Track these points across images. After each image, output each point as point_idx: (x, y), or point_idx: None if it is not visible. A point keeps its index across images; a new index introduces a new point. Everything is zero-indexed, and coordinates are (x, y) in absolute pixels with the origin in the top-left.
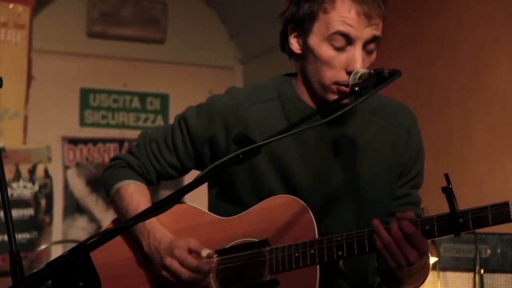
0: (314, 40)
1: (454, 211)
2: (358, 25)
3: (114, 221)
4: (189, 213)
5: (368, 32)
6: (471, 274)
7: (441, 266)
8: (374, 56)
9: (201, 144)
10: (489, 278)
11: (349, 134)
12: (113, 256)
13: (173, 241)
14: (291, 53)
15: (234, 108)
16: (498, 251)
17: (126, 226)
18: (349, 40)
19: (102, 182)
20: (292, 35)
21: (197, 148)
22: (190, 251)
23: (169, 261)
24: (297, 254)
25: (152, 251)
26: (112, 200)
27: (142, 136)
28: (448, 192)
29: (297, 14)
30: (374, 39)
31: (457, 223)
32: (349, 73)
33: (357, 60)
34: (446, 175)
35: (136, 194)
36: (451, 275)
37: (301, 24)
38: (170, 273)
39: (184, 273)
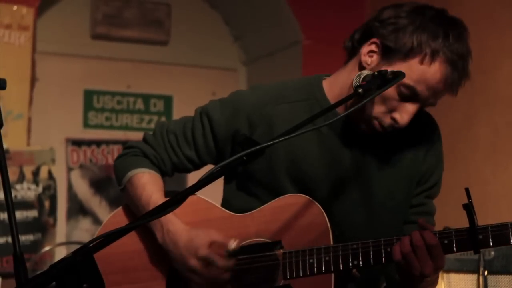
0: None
1: (474, 227)
2: (434, 93)
3: (124, 207)
4: (200, 206)
5: (434, 98)
6: (475, 276)
7: (444, 268)
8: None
9: (223, 139)
10: (493, 279)
11: (368, 138)
12: (120, 247)
13: (193, 238)
14: (353, 56)
15: (260, 106)
16: (502, 252)
17: (131, 227)
18: (414, 97)
19: (114, 169)
20: (369, 48)
21: (218, 143)
22: (213, 243)
23: (194, 263)
24: (311, 260)
25: (168, 244)
26: (125, 188)
27: (159, 126)
28: (468, 208)
29: (393, 39)
30: (432, 104)
31: (477, 239)
32: (392, 118)
33: (409, 116)
34: (467, 190)
35: (150, 183)
36: (454, 277)
37: (388, 49)
38: (197, 275)
39: (214, 274)
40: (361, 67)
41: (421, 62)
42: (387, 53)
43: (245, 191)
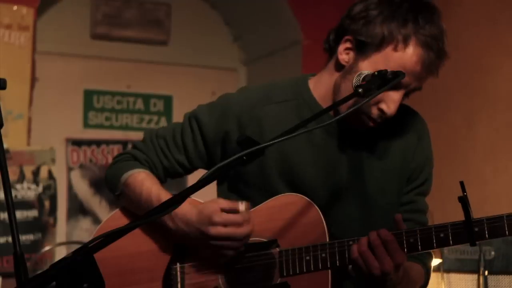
0: (364, 67)
1: (470, 220)
2: (414, 76)
3: (121, 210)
4: None
5: (417, 83)
6: (475, 276)
7: (445, 268)
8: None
9: (213, 142)
10: (493, 279)
11: (359, 137)
12: (117, 249)
13: (202, 210)
14: (333, 51)
15: (249, 107)
16: (502, 252)
17: (131, 227)
18: (397, 85)
19: (105, 180)
20: (345, 46)
21: (209, 146)
22: (224, 211)
23: (214, 230)
24: (308, 258)
25: (181, 227)
26: (122, 192)
27: (148, 133)
28: (463, 201)
29: (364, 32)
30: (416, 89)
31: (473, 232)
32: (379, 109)
33: (395, 104)
34: (462, 183)
35: (147, 179)
36: (455, 277)
37: (362, 43)
38: (222, 240)
39: (236, 231)
40: (340, 66)
41: (395, 49)
42: (361, 47)
43: (237, 193)
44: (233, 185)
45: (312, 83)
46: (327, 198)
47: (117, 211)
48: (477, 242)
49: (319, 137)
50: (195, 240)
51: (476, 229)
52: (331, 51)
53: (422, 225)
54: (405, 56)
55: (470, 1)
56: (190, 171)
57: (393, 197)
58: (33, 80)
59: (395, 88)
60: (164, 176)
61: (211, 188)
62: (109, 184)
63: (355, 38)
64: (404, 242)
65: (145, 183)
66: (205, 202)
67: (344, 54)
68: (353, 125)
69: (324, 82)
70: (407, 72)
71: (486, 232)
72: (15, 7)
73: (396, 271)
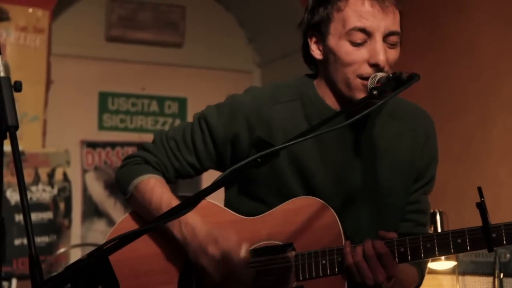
0: (333, 41)
1: (487, 226)
2: (373, 17)
3: (131, 214)
4: (210, 210)
5: (385, 25)
6: (490, 278)
7: (460, 270)
8: (397, 50)
9: (223, 143)
10: (508, 282)
11: (368, 137)
12: (132, 252)
13: (213, 230)
14: (314, 60)
15: (256, 108)
16: None
17: (146, 229)
18: (367, 34)
19: (116, 180)
20: (312, 42)
21: (218, 147)
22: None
23: (213, 250)
24: (324, 261)
25: (185, 236)
26: (131, 196)
27: (158, 134)
28: (481, 206)
29: (313, 20)
30: (393, 33)
31: (490, 238)
32: (372, 65)
33: (379, 51)
34: (479, 189)
35: (157, 186)
36: (470, 279)
37: (318, 29)
38: (214, 263)
39: (231, 265)
40: (322, 62)
41: (340, 9)
42: (320, 32)
43: (248, 196)
44: (244, 188)
45: (316, 83)
46: (339, 199)
47: (130, 213)
48: (494, 248)
49: (329, 138)
50: (191, 252)
51: (494, 235)
52: (310, 59)
53: (423, 226)
54: (351, 7)
55: (485, 2)
56: (200, 172)
57: (399, 196)
58: (49, 82)
59: (371, 38)
60: (175, 177)
61: (219, 195)
62: (119, 186)
63: (311, 29)
64: (421, 247)
65: (155, 190)
66: (218, 227)
67: (316, 50)
68: (361, 96)
69: (322, 82)
70: (365, 17)
71: (504, 238)
72: (30, 10)
73: (389, 281)
